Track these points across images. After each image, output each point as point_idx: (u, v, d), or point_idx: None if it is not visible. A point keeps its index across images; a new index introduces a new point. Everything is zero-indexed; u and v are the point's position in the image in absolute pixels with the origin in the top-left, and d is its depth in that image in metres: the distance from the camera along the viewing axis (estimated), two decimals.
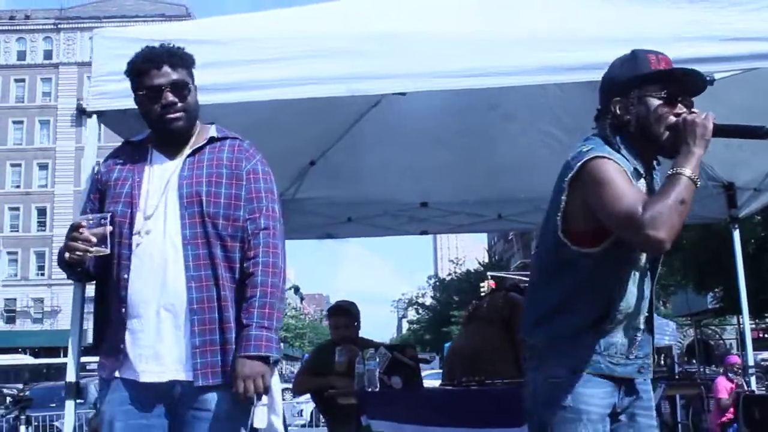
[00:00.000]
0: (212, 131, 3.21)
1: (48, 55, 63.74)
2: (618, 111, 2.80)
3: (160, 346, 2.95)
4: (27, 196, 61.11)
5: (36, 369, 33.51)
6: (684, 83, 2.81)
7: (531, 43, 3.81)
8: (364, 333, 6.55)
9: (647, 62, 2.80)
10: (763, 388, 8.21)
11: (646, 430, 2.89)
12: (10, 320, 59.04)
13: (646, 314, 2.87)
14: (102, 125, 4.14)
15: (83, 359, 3.92)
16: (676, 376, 6.21)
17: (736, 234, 7.13)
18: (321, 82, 3.90)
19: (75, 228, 2.96)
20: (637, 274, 2.82)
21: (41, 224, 60.89)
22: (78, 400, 3.79)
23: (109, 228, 2.96)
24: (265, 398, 3.15)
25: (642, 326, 2.85)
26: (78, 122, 58.47)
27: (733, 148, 5.49)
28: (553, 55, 3.78)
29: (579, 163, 2.70)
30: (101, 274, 3.11)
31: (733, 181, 7.06)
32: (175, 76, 3.08)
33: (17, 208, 61.16)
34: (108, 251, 2.97)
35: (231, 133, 3.26)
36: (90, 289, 3.47)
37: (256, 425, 3.12)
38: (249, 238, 3.04)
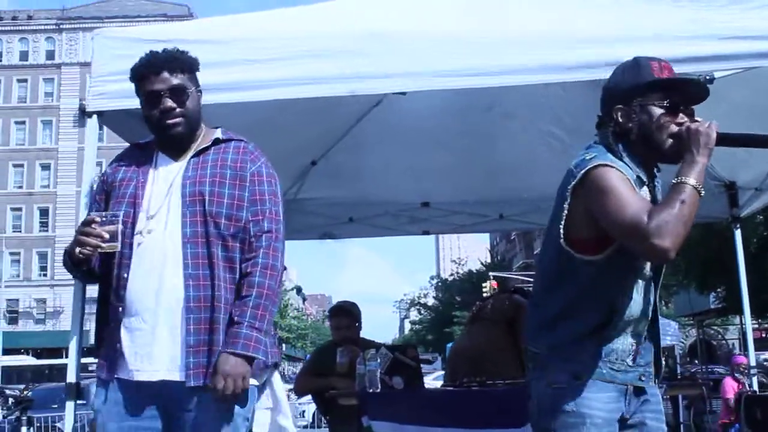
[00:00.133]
0: (217, 134, 3.22)
1: (50, 55, 63.86)
2: (620, 119, 2.79)
3: (155, 345, 2.95)
4: (29, 196, 61.21)
5: (38, 370, 33.57)
6: (686, 92, 2.81)
7: (532, 42, 3.80)
8: (366, 334, 6.56)
9: (650, 70, 2.78)
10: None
11: None
12: (13, 321, 59.08)
13: (649, 322, 2.87)
14: (103, 126, 4.14)
15: (84, 360, 3.93)
16: (679, 377, 6.20)
17: (738, 233, 7.13)
18: (321, 82, 3.89)
19: (87, 223, 2.98)
20: (641, 281, 2.81)
21: (44, 225, 61.00)
22: (79, 401, 3.79)
23: (120, 226, 2.96)
24: (267, 401, 3.15)
25: (644, 334, 2.85)
26: (80, 122, 56.92)
27: (735, 148, 5.48)
28: (554, 54, 3.77)
29: (582, 171, 2.69)
30: (105, 274, 3.12)
31: (734, 180, 7.05)
32: (173, 81, 3.08)
33: (20, 209, 61.25)
34: (119, 248, 2.97)
35: (236, 135, 3.26)
36: (91, 290, 3.47)
37: (254, 430, 3.11)
38: (251, 240, 3.03)
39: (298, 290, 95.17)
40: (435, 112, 5.86)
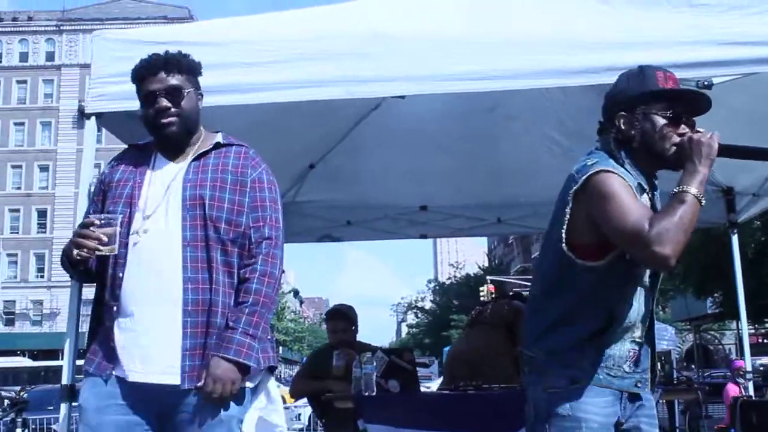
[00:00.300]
0: (218, 138, 3.24)
1: (50, 56, 63.84)
2: (622, 126, 2.81)
3: (151, 347, 2.95)
4: (27, 197, 61.16)
5: (34, 371, 33.49)
6: (689, 103, 2.83)
7: (532, 46, 3.80)
8: (363, 337, 6.55)
9: (655, 79, 2.80)
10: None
11: None
12: (9, 322, 59.02)
13: (646, 328, 2.87)
14: (102, 128, 4.14)
15: (80, 362, 3.91)
16: (675, 382, 6.20)
17: (735, 239, 7.14)
18: (320, 85, 3.89)
19: (85, 225, 2.99)
20: (640, 288, 2.82)
21: (41, 226, 60.92)
22: (74, 403, 3.78)
23: (118, 228, 2.97)
24: (261, 401, 3.15)
25: (641, 340, 2.85)
26: (79, 124, 56.10)
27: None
28: (555, 58, 3.77)
29: (584, 177, 2.70)
30: (100, 273, 3.12)
31: (732, 185, 7.07)
32: (170, 81, 3.11)
33: (17, 210, 61.20)
34: (116, 251, 2.98)
35: (237, 141, 3.28)
36: (87, 292, 3.48)
37: (244, 429, 3.11)
38: (251, 246, 3.05)
39: (296, 293, 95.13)
40: (434, 116, 5.86)
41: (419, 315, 74.46)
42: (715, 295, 24.50)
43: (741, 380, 11.30)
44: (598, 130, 2.92)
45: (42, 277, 59.57)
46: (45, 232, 60.01)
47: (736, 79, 4.10)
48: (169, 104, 3.09)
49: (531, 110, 5.84)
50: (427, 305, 72.55)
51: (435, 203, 7.61)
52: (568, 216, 2.74)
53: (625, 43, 3.63)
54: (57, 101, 62.58)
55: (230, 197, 3.06)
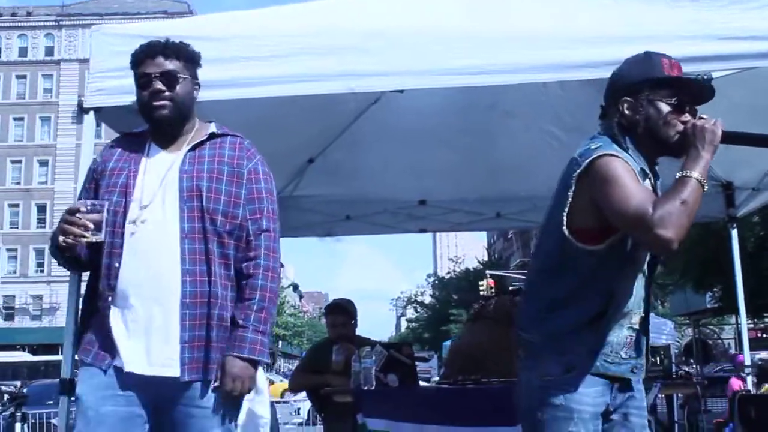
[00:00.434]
0: (212, 128, 3.23)
1: (49, 51, 63.80)
2: (626, 110, 2.82)
3: (149, 339, 2.94)
4: (27, 192, 61.16)
5: (34, 366, 33.50)
6: (693, 92, 2.84)
7: (532, 40, 3.80)
8: (362, 331, 6.57)
9: (661, 66, 2.82)
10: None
11: (639, 429, 2.90)
12: (9, 317, 59.08)
13: (642, 314, 2.87)
14: (101, 122, 4.14)
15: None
16: (674, 376, 6.22)
17: (734, 233, 7.15)
18: (319, 79, 3.89)
19: (72, 212, 2.96)
20: (638, 272, 2.83)
21: (41, 221, 60.90)
22: (72, 397, 3.78)
23: (105, 215, 2.95)
24: (250, 393, 3.16)
25: (637, 326, 2.85)
26: (79, 119, 58.28)
27: (732, 148, 5.47)
28: (554, 52, 3.77)
29: (587, 160, 2.70)
30: (94, 262, 3.10)
31: (731, 180, 7.07)
32: (167, 66, 3.12)
33: (17, 205, 61.20)
34: (103, 238, 2.96)
35: (231, 131, 3.27)
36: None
37: None
38: (250, 238, 3.06)
39: (295, 287, 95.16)
40: (433, 110, 5.86)
41: (418, 309, 74.51)
42: (715, 289, 24.49)
43: (744, 374, 11.34)
44: (600, 115, 2.93)
45: (42, 271, 59.58)
46: (44, 227, 59.90)
47: (735, 73, 4.10)
48: (164, 87, 3.09)
49: (530, 105, 5.84)
50: (427, 300, 72.64)
51: (434, 198, 7.61)
52: (570, 199, 2.74)
53: (625, 38, 3.63)
54: (56, 96, 62.55)
55: (227, 189, 3.06)
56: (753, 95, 4.87)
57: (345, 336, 6.23)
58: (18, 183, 61.72)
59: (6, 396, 15.79)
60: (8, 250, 59.07)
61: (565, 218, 2.74)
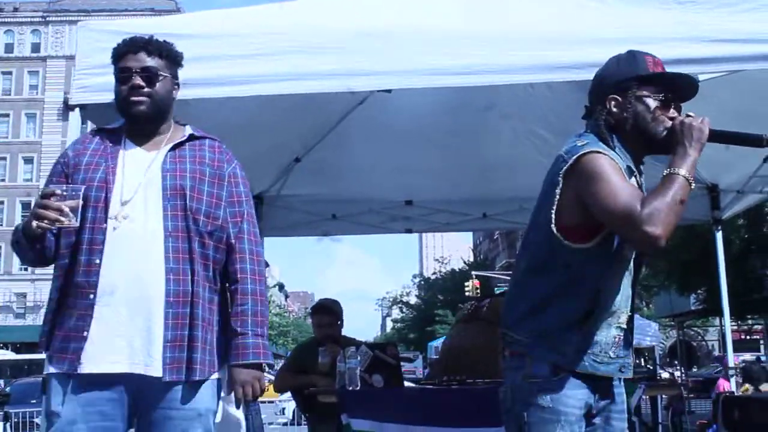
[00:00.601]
0: (188, 130, 3.21)
1: (36, 48, 63.44)
2: (613, 108, 2.81)
3: (133, 337, 2.88)
4: (12, 189, 60.82)
5: (17, 365, 33.33)
6: (679, 88, 2.85)
7: (520, 41, 3.81)
8: (347, 331, 6.55)
9: (646, 64, 2.83)
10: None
11: None
12: None
13: (629, 313, 2.87)
14: (87, 119, 4.11)
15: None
16: (658, 377, 6.24)
17: (719, 235, 7.19)
18: (307, 78, 3.88)
19: (46, 196, 2.85)
20: (625, 271, 2.83)
21: (25, 219, 60.50)
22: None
23: (80, 201, 2.85)
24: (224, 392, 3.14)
25: (625, 325, 2.85)
26: (65, 116, 58.09)
27: (718, 150, 5.48)
28: (543, 53, 3.78)
29: (574, 157, 2.70)
30: (63, 257, 3.00)
31: (716, 182, 7.11)
32: (147, 62, 3.08)
33: (1, 202, 60.85)
34: (77, 225, 2.86)
35: (207, 133, 3.26)
36: None
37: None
38: (231, 241, 3.07)
39: (281, 287, 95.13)
40: (420, 111, 5.86)
41: (404, 310, 74.52)
42: (699, 291, 24.60)
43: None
44: (584, 115, 2.93)
45: (26, 269, 59.10)
46: None
47: (723, 75, 4.12)
48: (143, 83, 3.06)
49: (517, 106, 5.86)
50: (412, 300, 72.67)
51: (421, 198, 7.62)
52: (557, 197, 2.73)
53: (613, 39, 3.63)
54: (42, 93, 62.21)
55: (209, 190, 3.06)
56: (739, 98, 4.89)
57: (331, 336, 6.21)
58: (2, 180, 61.32)
59: None
60: None
61: (553, 216, 2.74)
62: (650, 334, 25.62)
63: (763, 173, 6.48)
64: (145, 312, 2.90)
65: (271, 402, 20.49)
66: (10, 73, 62.84)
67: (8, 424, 12.73)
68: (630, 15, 3.74)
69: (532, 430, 2.74)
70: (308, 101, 4.81)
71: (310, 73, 3.88)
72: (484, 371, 5.26)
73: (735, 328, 30.22)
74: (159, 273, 2.91)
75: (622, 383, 2.94)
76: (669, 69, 2.93)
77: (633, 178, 2.78)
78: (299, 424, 15.35)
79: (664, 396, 11.31)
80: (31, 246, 2.99)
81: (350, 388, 5.04)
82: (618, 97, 2.81)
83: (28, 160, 61.71)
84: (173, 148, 3.10)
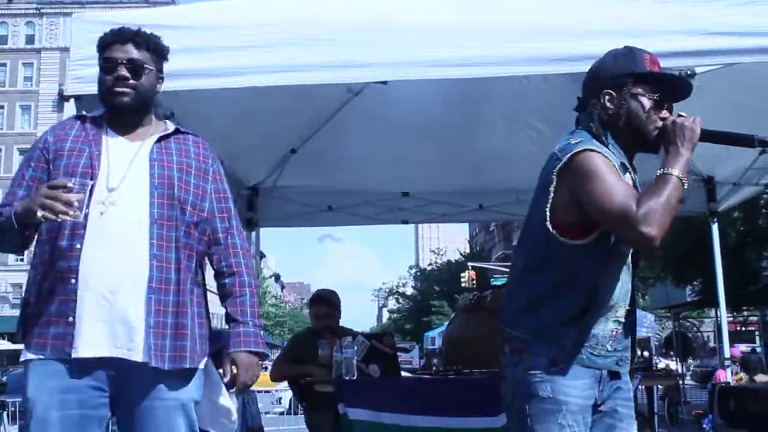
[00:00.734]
0: (170, 125, 3.23)
1: (30, 39, 63.22)
2: (607, 103, 2.82)
3: (117, 323, 2.86)
4: (7, 181, 60.49)
5: (14, 354, 33.28)
6: (674, 88, 2.86)
7: (516, 33, 3.81)
8: (344, 322, 6.56)
9: (643, 61, 2.83)
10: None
11: (627, 420, 2.90)
12: None
13: (628, 307, 2.88)
14: (82, 111, 4.10)
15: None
16: (654, 368, 6.26)
17: (715, 227, 7.20)
18: (303, 70, 3.88)
19: (56, 187, 2.79)
20: (622, 266, 2.83)
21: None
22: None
23: (86, 196, 2.82)
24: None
25: (623, 319, 2.86)
26: (60, 108, 58.02)
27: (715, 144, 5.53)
28: (538, 46, 3.78)
29: (568, 155, 2.70)
30: (43, 243, 2.97)
31: (712, 175, 7.13)
32: (135, 54, 3.08)
33: None
34: (81, 218, 2.83)
35: (189, 129, 3.30)
36: None
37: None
38: (221, 236, 3.14)
39: (277, 278, 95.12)
40: (416, 103, 5.86)
41: (400, 301, 74.57)
42: (695, 283, 24.63)
43: (733, 366, 11.46)
44: (576, 107, 2.93)
45: (21, 260, 58.95)
46: None
47: (717, 69, 4.12)
48: (129, 75, 3.05)
49: (513, 98, 5.85)
50: (408, 291, 72.71)
51: (417, 189, 7.62)
52: (551, 195, 2.74)
53: (609, 32, 3.64)
54: (37, 85, 62.04)
55: (195, 182, 3.09)
56: (735, 91, 4.90)
57: (329, 327, 6.24)
58: None
59: None
60: None
61: (548, 214, 2.74)
62: (646, 325, 25.60)
63: (759, 165, 6.49)
64: (128, 297, 2.88)
65: (268, 391, 20.49)
66: (4, 65, 62.61)
67: (5, 413, 12.72)
68: (626, 7, 3.75)
69: (534, 421, 2.74)
70: (304, 93, 4.80)
71: (304, 65, 3.88)
72: (487, 361, 5.27)
73: (731, 319, 30.29)
74: (143, 259, 2.91)
75: (627, 372, 2.94)
76: (665, 62, 2.94)
77: (627, 174, 2.79)
78: (296, 413, 15.37)
79: (659, 386, 11.35)
80: (20, 233, 2.94)
81: (347, 378, 5.05)
82: (612, 93, 2.82)
83: (23, 152, 61.43)
84: (159, 140, 3.11)
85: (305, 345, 6.29)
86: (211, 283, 3.12)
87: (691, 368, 32.16)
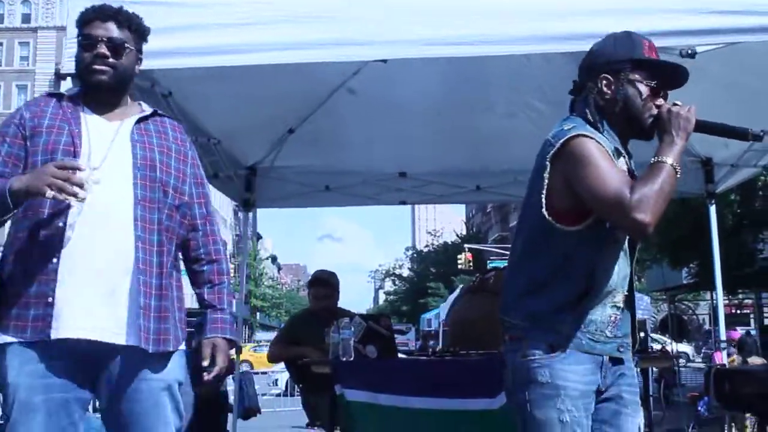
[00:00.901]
0: (145, 106, 3.19)
1: (26, 18, 63.05)
2: (604, 88, 2.81)
3: (96, 304, 2.81)
4: None
5: None
6: (671, 76, 2.85)
7: (516, 12, 3.78)
8: (341, 304, 6.58)
9: (642, 48, 2.82)
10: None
11: (632, 406, 2.89)
12: None
13: (626, 293, 2.87)
14: None
15: None
16: (650, 350, 6.26)
17: (713, 209, 7.18)
18: (299, 48, 3.85)
19: (72, 168, 2.72)
20: (619, 252, 2.82)
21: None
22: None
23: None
24: None
25: (622, 305, 2.85)
26: (57, 87, 57.18)
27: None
28: (539, 24, 3.76)
29: (561, 141, 2.70)
30: (22, 221, 2.87)
31: (710, 156, 7.10)
32: (116, 33, 3.02)
33: None
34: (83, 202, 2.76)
35: (165, 113, 3.30)
36: None
37: None
38: (198, 222, 3.15)
39: (273, 259, 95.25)
40: (414, 82, 5.83)
41: (397, 282, 74.77)
42: (691, 265, 24.67)
43: (730, 349, 11.50)
44: (571, 90, 2.92)
45: None
46: None
47: (717, 48, 4.10)
48: (108, 53, 2.99)
49: (512, 78, 5.82)
50: (405, 272, 72.86)
51: (414, 170, 7.59)
52: (546, 181, 2.74)
53: (608, 11, 3.62)
54: (33, 64, 61.93)
55: (176, 165, 3.08)
56: (732, 71, 4.87)
57: (327, 308, 6.26)
58: None
59: None
60: None
61: (543, 200, 2.74)
62: (642, 307, 25.69)
63: (757, 147, 6.47)
64: (111, 278, 2.84)
65: (264, 373, 20.55)
66: (0, 44, 62.45)
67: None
68: None
69: (534, 407, 2.74)
70: (301, 72, 4.78)
71: (298, 43, 3.85)
72: (490, 342, 5.27)
73: (726, 302, 30.33)
74: (128, 240, 2.87)
75: (630, 357, 2.93)
76: (664, 41, 2.93)
77: (621, 159, 2.79)
78: (292, 395, 15.41)
79: (654, 369, 11.38)
80: (13, 208, 2.81)
81: (344, 359, 5.05)
82: (610, 77, 2.81)
83: None
84: (138, 122, 3.07)
85: (303, 326, 6.29)
86: None
87: (702, 351, 32.23)
